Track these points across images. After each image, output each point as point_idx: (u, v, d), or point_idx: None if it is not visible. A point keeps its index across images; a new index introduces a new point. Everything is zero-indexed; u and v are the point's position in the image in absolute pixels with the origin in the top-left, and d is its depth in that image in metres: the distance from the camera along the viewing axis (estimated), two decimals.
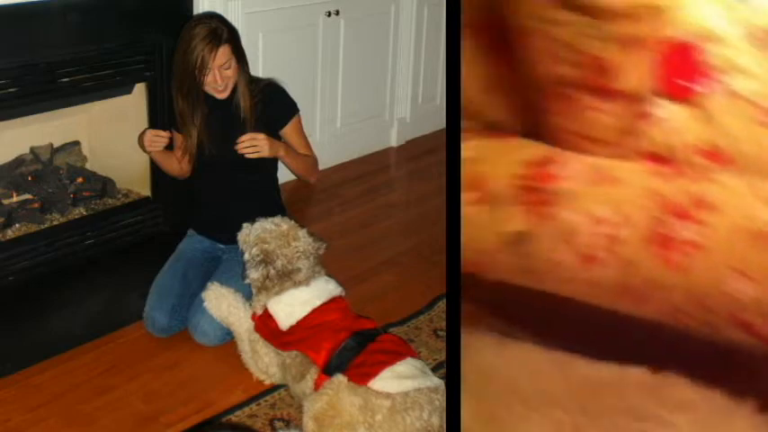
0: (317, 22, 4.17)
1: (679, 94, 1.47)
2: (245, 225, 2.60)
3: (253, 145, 2.77)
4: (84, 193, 3.41)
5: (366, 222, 3.90)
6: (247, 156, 2.79)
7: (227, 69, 2.75)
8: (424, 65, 4.85)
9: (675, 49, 1.45)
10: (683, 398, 1.51)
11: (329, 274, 2.62)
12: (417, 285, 3.26)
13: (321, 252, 2.58)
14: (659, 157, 1.49)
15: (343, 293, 2.59)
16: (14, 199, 3.31)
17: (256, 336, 2.57)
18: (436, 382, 2.32)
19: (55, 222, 3.26)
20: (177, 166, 2.99)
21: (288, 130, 2.94)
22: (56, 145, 3.50)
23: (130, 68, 3.24)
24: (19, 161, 3.39)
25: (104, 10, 3.07)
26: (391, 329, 2.84)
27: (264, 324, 2.53)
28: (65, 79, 3.03)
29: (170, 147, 2.96)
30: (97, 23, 3.07)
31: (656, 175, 1.49)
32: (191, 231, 3.06)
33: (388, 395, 2.24)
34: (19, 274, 3.04)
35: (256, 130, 2.81)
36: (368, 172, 4.50)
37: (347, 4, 4.26)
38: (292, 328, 2.48)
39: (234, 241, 2.65)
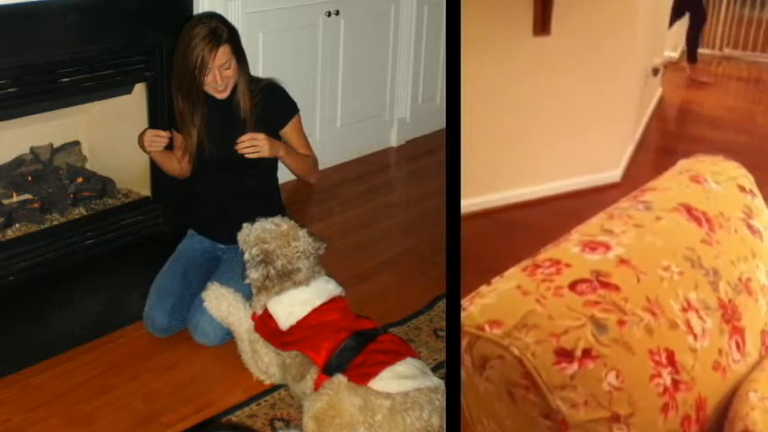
0: (317, 22, 4.17)
1: None
2: (245, 225, 2.60)
3: (253, 145, 2.77)
4: (84, 193, 3.41)
5: (366, 222, 3.90)
6: (247, 156, 2.78)
7: (227, 69, 2.75)
8: (424, 65, 4.85)
9: None
10: None
11: (329, 274, 2.62)
12: (417, 285, 3.26)
13: (321, 252, 2.58)
14: None
15: (343, 293, 2.59)
16: (14, 199, 3.31)
17: (256, 336, 2.57)
18: (436, 382, 2.32)
19: (55, 222, 3.26)
20: (177, 165, 2.99)
21: (288, 131, 2.94)
22: (56, 145, 3.49)
23: (130, 68, 3.24)
24: (19, 161, 3.39)
25: (104, 10, 3.07)
26: (391, 329, 2.84)
27: (264, 324, 2.53)
28: (65, 79, 3.03)
29: (170, 147, 2.96)
30: (97, 23, 3.07)
31: None
32: (191, 231, 3.06)
33: (388, 395, 2.24)
34: (19, 274, 3.04)
35: (256, 130, 2.81)
36: (368, 172, 4.50)
37: (347, 4, 4.26)
38: (292, 328, 2.48)
39: (234, 241, 2.65)
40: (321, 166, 3.17)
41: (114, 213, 3.38)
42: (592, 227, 1.61)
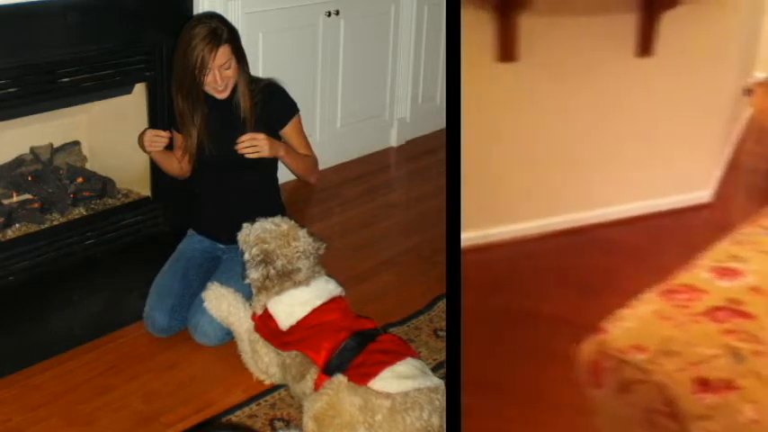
0: (317, 22, 4.17)
1: None
2: (245, 225, 2.60)
3: (253, 145, 2.77)
4: (84, 193, 3.41)
5: (366, 222, 3.90)
6: (247, 156, 2.78)
7: (227, 69, 2.75)
8: (424, 65, 4.85)
9: None
10: None
11: (329, 274, 2.62)
12: (417, 285, 3.26)
13: (321, 252, 2.58)
14: None
15: (343, 293, 2.59)
16: (14, 199, 3.31)
17: (256, 336, 2.57)
18: (436, 382, 2.32)
19: (55, 222, 3.26)
20: (177, 165, 2.99)
21: (288, 131, 2.94)
22: (56, 145, 3.49)
23: (130, 68, 3.24)
24: (19, 161, 3.39)
25: (104, 10, 3.07)
26: (391, 329, 2.84)
27: (264, 324, 2.53)
28: (65, 79, 3.03)
29: (170, 147, 2.96)
30: (97, 23, 3.07)
31: None
32: (191, 231, 3.06)
33: (388, 395, 2.24)
34: (19, 274, 3.04)
35: (256, 130, 2.81)
36: (368, 172, 4.50)
37: (347, 4, 4.26)
38: (292, 328, 2.48)
39: (234, 241, 2.65)
40: (321, 166, 3.17)
41: (114, 213, 3.38)
42: (718, 252, 1.63)
